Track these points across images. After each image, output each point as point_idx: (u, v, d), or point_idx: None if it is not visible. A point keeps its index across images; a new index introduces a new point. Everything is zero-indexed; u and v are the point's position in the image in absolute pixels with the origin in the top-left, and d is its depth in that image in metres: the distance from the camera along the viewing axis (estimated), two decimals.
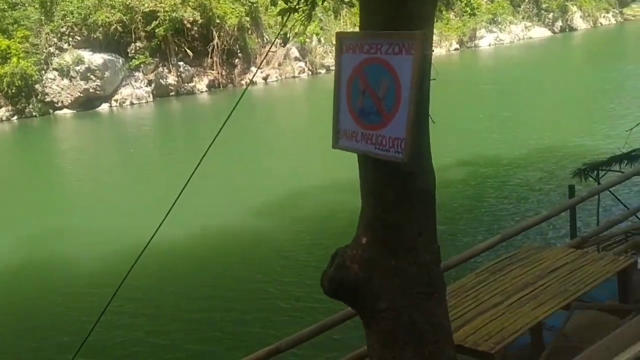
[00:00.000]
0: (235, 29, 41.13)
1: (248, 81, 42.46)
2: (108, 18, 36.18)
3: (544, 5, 53.39)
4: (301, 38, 44.50)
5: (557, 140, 18.00)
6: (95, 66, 36.08)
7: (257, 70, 43.51)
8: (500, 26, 51.10)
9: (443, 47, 50.40)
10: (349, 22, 48.43)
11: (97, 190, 18.26)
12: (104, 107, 36.60)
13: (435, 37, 47.27)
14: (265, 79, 43.01)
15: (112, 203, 16.49)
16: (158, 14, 37.57)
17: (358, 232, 2.70)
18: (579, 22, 55.12)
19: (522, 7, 52.58)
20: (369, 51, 2.49)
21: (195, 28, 40.57)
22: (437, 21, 50.86)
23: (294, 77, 44.15)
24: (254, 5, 42.06)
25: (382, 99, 2.47)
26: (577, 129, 19.41)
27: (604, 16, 57.32)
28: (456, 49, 50.17)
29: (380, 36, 2.46)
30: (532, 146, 17.90)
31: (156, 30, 37.61)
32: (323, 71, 45.51)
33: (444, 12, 51.29)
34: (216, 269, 11.45)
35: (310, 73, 44.98)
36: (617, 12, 58.55)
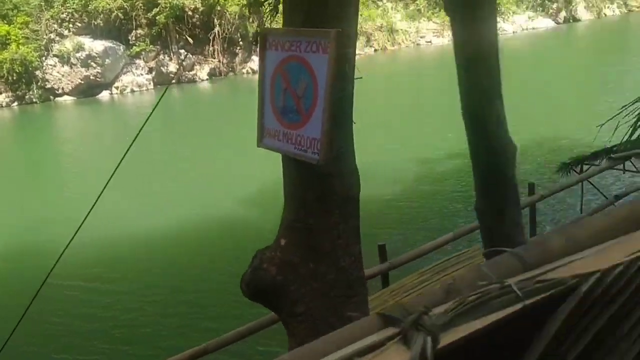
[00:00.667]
0: (237, 17, 40.98)
1: (250, 70, 42.43)
2: (109, 5, 36.10)
3: None
4: None
5: (547, 134, 17.84)
6: (96, 53, 36.07)
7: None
8: (503, 16, 50.65)
9: (446, 37, 50.04)
10: None
11: (82, 179, 18.29)
12: (104, 95, 36.63)
13: (437, 27, 46.93)
14: None
15: (92, 193, 16.54)
16: (159, 1, 37.44)
17: (278, 233, 2.67)
18: (583, 13, 54.59)
19: None
20: (289, 49, 2.47)
21: (197, 16, 40.48)
22: (439, 10, 50.53)
23: None
24: None
25: (301, 98, 2.45)
26: (570, 123, 19.24)
27: (608, 7, 56.72)
28: None
29: (299, 34, 2.44)
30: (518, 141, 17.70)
31: (157, 18, 37.50)
32: None
33: None
34: (191, 264, 11.49)
35: None
36: (621, 2, 57.93)
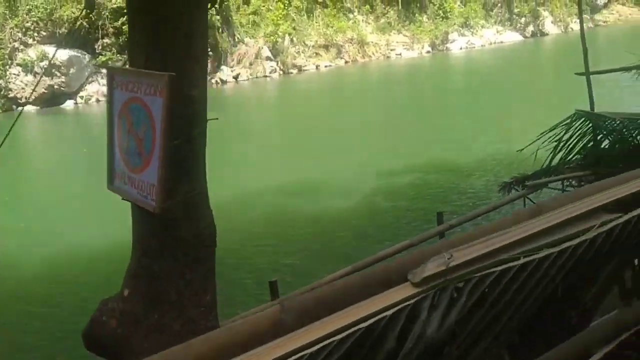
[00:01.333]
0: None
1: (219, 80, 42.27)
2: (74, 13, 35.61)
3: (516, 10, 53.70)
4: (272, 38, 44.37)
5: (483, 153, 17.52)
6: (60, 62, 35.51)
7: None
8: (472, 30, 51.34)
9: (415, 50, 50.53)
10: (322, 22, 48.37)
11: (28, 190, 17.93)
12: (68, 104, 36.09)
13: (407, 40, 47.30)
14: (235, 77, 42.75)
15: (36, 204, 16.23)
16: (126, 11, 37.07)
17: (123, 283, 2.54)
18: (550, 27, 55.55)
19: (494, 11, 52.88)
20: (132, 89, 2.38)
21: None
22: (410, 23, 51.03)
23: (265, 76, 43.91)
24: (225, 4, 41.68)
25: (142, 141, 2.35)
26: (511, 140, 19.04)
27: (575, 22, 57.77)
28: (428, 52, 50.32)
29: (139, 75, 2.35)
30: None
31: (124, 27, 37.09)
32: (294, 71, 45.35)
33: (417, 15, 51.44)
34: None
35: (281, 73, 44.79)
36: (588, 18, 59.07)
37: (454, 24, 51.25)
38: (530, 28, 54.47)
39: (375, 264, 4.24)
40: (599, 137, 6.42)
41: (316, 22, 48.38)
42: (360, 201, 14.22)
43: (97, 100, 36.88)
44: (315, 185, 15.60)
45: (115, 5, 36.92)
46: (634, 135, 6.15)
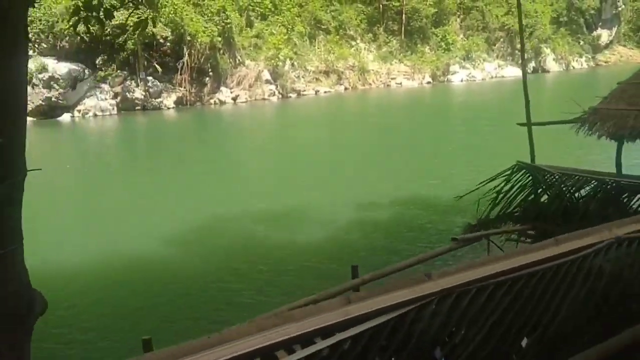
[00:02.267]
0: (207, 48, 41.13)
1: (217, 100, 42.46)
2: (82, 27, 35.88)
3: (518, 46, 54.03)
4: (273, 61, 44.68)
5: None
6: (59, 75, 35.75)
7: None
8: (473, 63, 51.66)
9: (416, 80, 50.79)
10: (324, 48, 48.73)
11: None
12: (65, 117, 36.19)
13: (408, 69, 47.45)
14: (234, 99, 42.92)
15: None
16: (128, 28, 37.34)
17: None
18: (552, 65, 55.91)
19: (496, 45, 53.25)
20: None
21: (168, 44, 40.54)
22: (411, 54, 51.36)
23: (263, 99, 44.09)
24: (228, 25, 42.10)
25: None
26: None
27: (576, 60, 58.21)
28: (428, 83, 50.56)
29: None
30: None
31: (126, 44, 37.40)
32: (294, 95, 45.57)
33: (418, 46, 51.80)
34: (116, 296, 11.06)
35: (280, 96, 44.98)
36: (589, 57, 59.49)
37: (456, 56, 51.63)
38: (532, 64, 54.81)
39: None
40: (539, 191, 6.33)
41: (318, 48, 48.77)
42: (331, 234, 14.06)
43: (95, 115, 37.07)
44: (287, 214, 15.48)
45: (117, 22, 37.20)
46: (571, 191, 6.08)
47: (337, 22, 50.03)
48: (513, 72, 53.19)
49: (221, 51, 42.74)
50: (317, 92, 47.04)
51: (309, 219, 15.35)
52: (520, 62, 52.15)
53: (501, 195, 6.62)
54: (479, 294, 1.66)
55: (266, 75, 44.98)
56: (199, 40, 39.89)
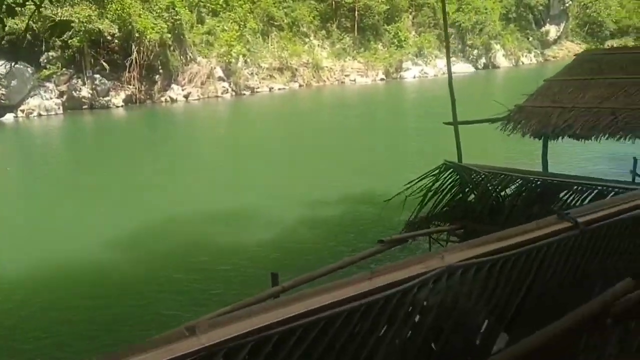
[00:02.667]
0: (157, 45, 40.26)
1: (168, 98, 41.63)
2: (16, 24, 34.59)
3: (469, 42, 54.85)
4: (226, 58, 44.06)
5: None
6: (0, 74, 34.42)
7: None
8: (426, 60, 52.12)
9: (369, 77, 50.95)
10: (277, 45, 48.37)
11: None
12: (8, 118, 34.90)
13: (361, 66, 47.63)
14: (186, 96, 42.17)
15: None
16: (72, 25, 36.19)
17: None
18: (502, 60, 56.90)
19: None
20: None
21: (116, 41, 39.51)
22: (365, 50, 51.49)
23: (216, 96, 43.49)
24: (177, 22, 41.30)
25: None
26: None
27: (525, 55, 59.41)
28: (382, 79, 50.79)
29: None
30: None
31: (70, 41, 36.25)
32: (247, 93, 45.10)
33: (372, 43, 51.96)
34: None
35: (233, 94, 44.45)
36: (538, 52, 60.80)
37: (408, 52, 51.99)
38: (483, 60, 55.66)
39: None
40: (466, 190, 6.26)
41: (271, 45, 48.38)
42: (275, 236, 13.86)
43: (39, 115, 35.87)
44: (231, 214, 15.20)
45: (61, 19, 36.04)
46: (497, 190, 6.03)
47: (290, 19, 49.74)
48: (464, 68, 53.94)
49: (171, 48, 41.92)
50: (271, 89, 46.68)
51: (255, 220, 15.11)
52: (469, 57, 52.84)
53: (430, 194, 6.53)
54: (258, 348, 1.37)
55: (219, 72, 44.37)
56: (148, 37, 39.01)
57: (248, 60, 46.54)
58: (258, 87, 46.26)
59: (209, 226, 14.79)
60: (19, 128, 33.77)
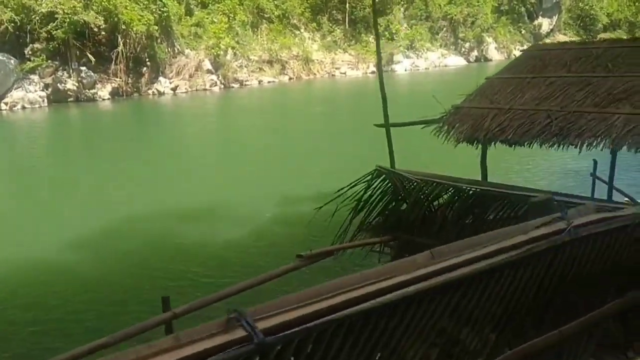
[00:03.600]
0: (144, 37, 39.82)
1: (156, 91, 41.22)
2: None
3: (460, 35, 54.43)
4: (214, 50, 43.64)
5: None
6: None
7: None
8: (417, 52, 51.74)
9: (360, 70, 50.59)
10: (267, 37, 47.95)
11: None
12: None
13: (352, 59, 47.20)
14: (174, 89, 41.79)
15: None
16: (57, 16, 35.80)
17: None
18: (494, 53, 56.53)
19: (439, 35, 53.43)
20: None
21: (103, 32, 39.07)
22: (355, 43, 51.11)
23: (204, 89, 43.11)
24: (165, 14, 40.84)
25: None
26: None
27: (518, 48, 58.92)
28: (373, 72, 50.36)
29: None
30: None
31: (54, 33, 35.81)
32: (236, 86, 44.72)
33: (362, 35, 51.56)
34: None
35: (222, 86, 44.08)
36: (530, 45, 60.36)
37: (400, 45, 51.60)
38: (475, 53, 55.27)
39: None
40: (399, 199, 5.98)
41: (261, 37, 47.95)
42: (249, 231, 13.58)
43: (23, 108, 35.49)
44: (206, 211, 14.95)
45: (45, 10, 35.64)
46: (429, 199, 5.76)
47: (281, 11, 49.27)
48: (456, 61, 53.57)
49: (159, 40, 41.48)
50: (260, 82, 46.32)
51: (228, 218, 14.86)
52: (461, 50, 52.27)
53: (362, 203, 6.27)
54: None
55: (207, 65, 43.96)
56: (134, 28, 38.54)
57: (237, 52, 46.13)
58: (247, 80, 45.87)
59: (183, 224, 14.54)
60: (2, 121, 33.40)
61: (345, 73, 50.07)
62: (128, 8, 38.64)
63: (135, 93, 40.35)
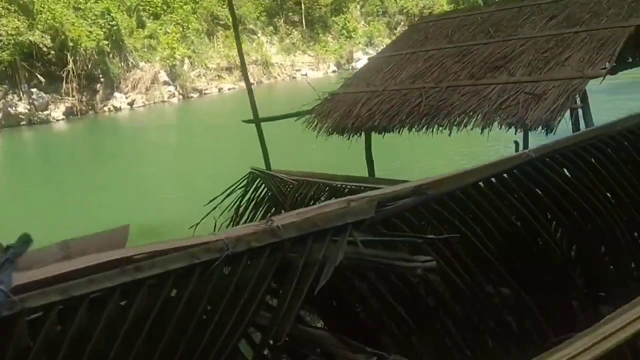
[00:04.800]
0: (95, 53, 39.03)
1: (112, 107, 40.37)
2: None
3: None
4: (169, 61, 42.95)
5: None
6: None
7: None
8: (376, 48, 51.38)
9: (321, 70, 50.18)
10: (223, 44, 47.36)
11: None
12: None
13: (312, 60, 46.64)
14: (131, 104, 41.00)
15: None
16: (1, 38, 34.92)
17: None
18: None
19: (397, 29, 53.15)
20: None
21: (53, 52, 38.18)
22: (314, 44, 50.68)
23: (163, 101, 42.40)
24: (114, 28, 40.08)
25: None
26: None
27: None
28: (334, 71, 49.96)
29: None
30: None
31: (0, 55, 34.94)
32: (195, 95, 44.08)
33: (321, 36, 51.19)
34: None
35: (181, 97, 43.41)
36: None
37: (359, 43, 51.27)
38: None
39: None
40: (279, 202, 5.46)
41: (217, 44, 47.36)
42: None
43: None
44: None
45: None
46: (306, 202, 5.16)
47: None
48: None
49: (111, 55, 40.72)
50: (220, 89, 45.74)
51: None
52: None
53: (242, 210, 5.75)
54: None
55: (163, 76, 43.26)
56: (83, 45, 37.74)
57: (194, 61, 45.51)
58: (206, 89, 45.27)
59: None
60: None
61: (306, 74, 49.57)
62: (75, 25, 37.82)
63: (90, 111, 39.51)
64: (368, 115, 6.47)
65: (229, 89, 45.79)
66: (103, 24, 39.38)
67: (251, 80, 49.07)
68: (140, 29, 43.94)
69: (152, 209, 16.01)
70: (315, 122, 6.97)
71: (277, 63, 49.54)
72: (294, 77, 49.50)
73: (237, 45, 8.60)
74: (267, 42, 50.24)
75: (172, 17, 45.07)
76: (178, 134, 32.34)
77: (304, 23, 50.61)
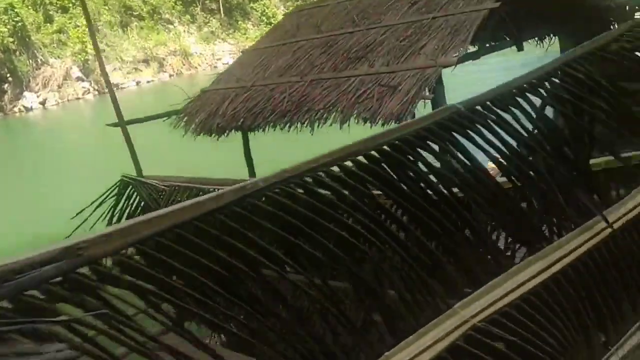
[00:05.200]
0: (0, 51, 37.01)
1: (22, 107, 38.42)
2: None
3: None
4: (81, 56, 41.20)
5: None
6: None
7: None
8: None
9: None
10: (139, 35, 45.85)
11: None
12: None
13: (233, 48, 45.79)
14: (42, 103, 39.14)
15: None
16: None
17: None
18: None
19: None
20: None
21: None
22: (234, 31, 49.82)
23: (77, 98, 40.67)
24: (19, 24, 38.04)
25: None
26: None
27: None
28: None
29: None
30: None
31: None
32: None
33: (240, 23, 50.38)
34: None
35: (97, 93, 41.74)
36: None
37: None
38: None
39: None
40: (153, 210, 5.18)
41: (132, 36, 45.77)
42: None
43: None
44: None
45: None
46: None
47: (150, 7, 47.19)
48: None
49: (17, 52, 38.70)
50: (138, 83, 44.27)
51: None
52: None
53: (115, 220, 5.42)
54: None
55: (76, 72, 41.50)
56: None
57: (108, 55, 43.78)
58: (123, 83, 43.66)
59: None
60: None
61: (227, 63, 48.63)
62: None
63: None
64: (233, 114, 6.21)
65: (147, 82, 44.42)
66: (6, 20, 37.31)
67: (171, 72, 47.67)
68: (49, 24, 41.91)
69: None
70: (183, 123, 6.66)
71: (196, 53, 48.42)
72: (215, 67, 48.47)
73: (92, 42, 8.09)
74: (184, 31, 49.00)
75: (81, 10, 43.15)
76: (71, 135, 30.77)
77: (222, 11, 49.64)
